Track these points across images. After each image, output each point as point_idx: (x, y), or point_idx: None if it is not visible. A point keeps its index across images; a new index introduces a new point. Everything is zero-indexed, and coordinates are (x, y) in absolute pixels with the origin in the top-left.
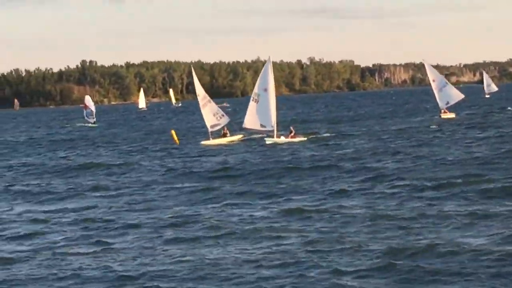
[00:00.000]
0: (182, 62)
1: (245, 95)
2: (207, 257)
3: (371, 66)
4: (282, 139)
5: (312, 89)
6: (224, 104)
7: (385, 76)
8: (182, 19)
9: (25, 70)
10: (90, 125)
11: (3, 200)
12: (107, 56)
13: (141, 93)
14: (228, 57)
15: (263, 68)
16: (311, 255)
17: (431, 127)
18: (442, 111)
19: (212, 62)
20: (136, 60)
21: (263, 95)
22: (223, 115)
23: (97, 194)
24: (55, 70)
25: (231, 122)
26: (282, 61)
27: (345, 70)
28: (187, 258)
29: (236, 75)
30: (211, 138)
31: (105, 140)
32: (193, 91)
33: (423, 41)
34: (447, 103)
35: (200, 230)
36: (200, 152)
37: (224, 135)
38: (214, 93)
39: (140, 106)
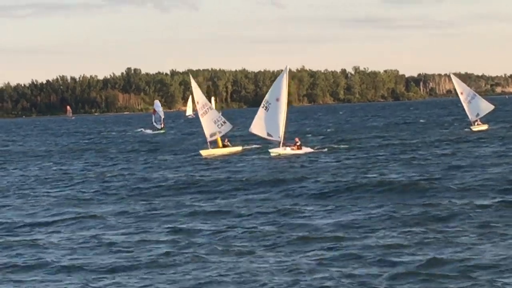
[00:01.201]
0: (226, 70)
1: (289, 105)
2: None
3: (415, 75)
4: (288, 150)
5: (356, 98)
6: None
7: (429, 86)
8: (227, 27)
9: (71, 77)
10: (157, 131)
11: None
12: (152, 64)
13: (189, 100)
14: (273, 66)
15: (278, 77)
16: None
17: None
18: (476, 123)
19: (256, 70)
20: (181, 68)
21: (274, 104)
22: (224, 122)
23: None
24: (100, 77)
25: (233, 130)
26: (326, 70)
27: (389, 80)
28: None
29: None
30: (209, 148)
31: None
32: (238, 99)
33: (468, 51)
34: (477, 115)
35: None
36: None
37: (225, 146)
38: (258, 101)
39: (187, 114)
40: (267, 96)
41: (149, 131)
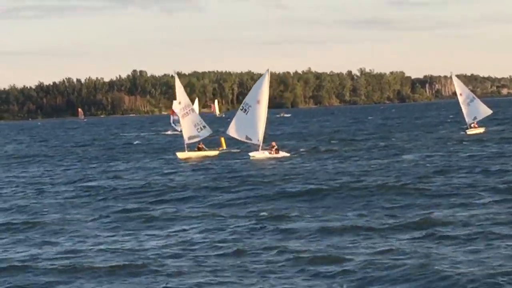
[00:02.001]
0: (232, 72)
1: (295, 106)
2: None
3: (421, 77)
4: (266, 154)
5: (362, 100)
6: (282, 115)
7: (435, 88)
8: (233, 30)
9: (77, 80)
10: (176, 132)
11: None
12: (158, 66)
13: (196, 102)
14: (279, 68)
15: (259, 79)
16: None
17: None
18: (472, 125)
19: (262, 72)
20: (187, 70)
21: (254, 107)
22: (204, 127)
23: None
24: (106, 79)
25: (212, 135)
26: (332, 71)
27: (395, 82)
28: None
29: (286, 86)
30: (186, 151)
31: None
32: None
33: (474, 53)
34: (475, 118)
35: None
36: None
37: (199, 150)
38: None
39: None
40: (246, 99)
41: (169, 132)
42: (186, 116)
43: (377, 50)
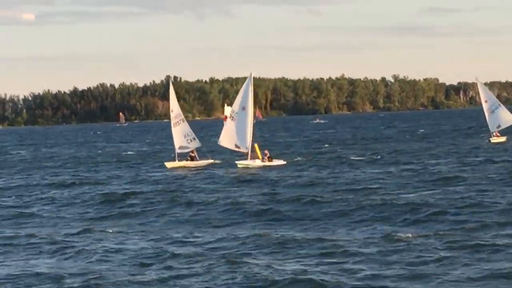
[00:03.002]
0: (266, 78)
1: (328, 112)
2: None
3: (455, 84)
4: (257, 162)
5: (396, 107)
6: (318, 121)
7: (470, 95)
8: (267, 36)
9: (110, 85)
10: None
11: None
12: (192, 72)
13: (226, 108)
14: (312, 74)
15: (244, 85)
16: None
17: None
18: (494, 134)
19: (296, 78)
20: (220, 76)
21: (241, 114)
22: (194, 139)
23: None
24: (140, 85)
25: (202, 147)
26: (366, 78)
27: (429, 88)
28: None
29: (320, 92)
30: (177, 160)
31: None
32: (277, 107)
33: (509, 59)
34: (498, 126)
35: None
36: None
37: (192, 159)
38: (297, 109)
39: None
40: (234, 106)
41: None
42: (177, 125)
43: (411, 57)
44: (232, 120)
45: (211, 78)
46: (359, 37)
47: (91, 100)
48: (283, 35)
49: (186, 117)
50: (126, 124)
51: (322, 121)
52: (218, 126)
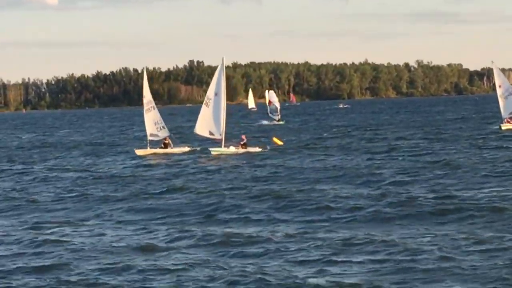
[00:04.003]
0: (289, 63)
1: (351, 98)
2: None
3: (479, 70)
4: (232, 149)
5: (419, 92)
6: (341, 106)
7: (493, 81)
8: (290, 21)
9: (133, 69)
10: (274, 122)
11: None
12: (215, 57)
13: (250, 93)
14: (336, 59)
15: (216, 71)
16: None
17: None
18: (505, 120)
19: (319, 64)
20: (243, 61)
21: (214, 100)
22: (163, 127)
23: None
24: (163, 69)
25: (172, 136)
26: (389, 63)
27: (453, 74)
28: None
29: (343, 77)
30: (148, 147)
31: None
32: (300, 92)
33: None
34: (511, 113)
35: None
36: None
37: (166, 146)
38: (320, 95)
39: (249, 106)
40: (208, 92)
41: (265, 122)
42: (149, 112)
43: (434, 43)
44: (206, 106)
45: (234, 63)
46: (383, 24)
47: (114, 84)
48: (307, 20)
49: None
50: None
51: (346, 106)
52: (242, 110)
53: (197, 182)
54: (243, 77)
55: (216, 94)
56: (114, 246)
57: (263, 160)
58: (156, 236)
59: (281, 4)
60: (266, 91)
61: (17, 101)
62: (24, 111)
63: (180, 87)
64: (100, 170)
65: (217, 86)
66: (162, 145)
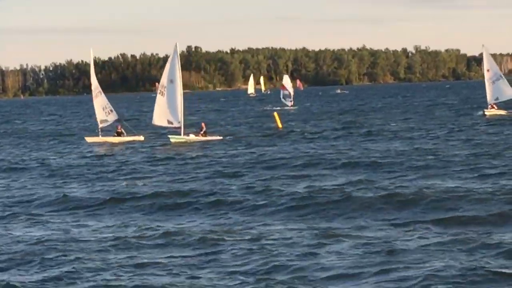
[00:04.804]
0: (287, 49)
1: (349, 83)
2: None
3: (477, 55)
4: (191, 137)
5: (417, 78)
6: (339, 91)
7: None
8: (288, 7)
9: (131, 55)
10: (288, 108)
11: None
12: (213, 42)
13: (251, 79)
14: (333, 45)
15: (170, 57)
16: None
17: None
18: (489, 106)
19: (317, 49)
20: (241, 47)
21: (169, 87)
22: (111, 111)
23: None
24: (161, 55)
25: (121, 121)
26: (387, 49)
27: (450, 59)
28: None
29: (340, 63)
30: (100, 135)
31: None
32: (298, 78)
33: None
34: (497, 98)
35: None
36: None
37: (118, 134)
38: (318, 80)
39: (249, 92)
40: (162, 80)
41: (278, 108)
42: (96, 98)
43: (432, 28)
44: (161, 95)
45: (232, 48)
46: (380, 9)
47: (112, 70)
48: (304, 6)
49: (206, 87)
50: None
51: (345, 92)
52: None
53: (151, 171)
54: (240, 63)
55: (171, 81)
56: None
57: (224, 149)
58: (103, 230)
59: None
60: (284, 76)
61: (15, 88)
62: (22, 97)
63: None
64: (45, 161)
65: (171, 72)
66: (115, 134)
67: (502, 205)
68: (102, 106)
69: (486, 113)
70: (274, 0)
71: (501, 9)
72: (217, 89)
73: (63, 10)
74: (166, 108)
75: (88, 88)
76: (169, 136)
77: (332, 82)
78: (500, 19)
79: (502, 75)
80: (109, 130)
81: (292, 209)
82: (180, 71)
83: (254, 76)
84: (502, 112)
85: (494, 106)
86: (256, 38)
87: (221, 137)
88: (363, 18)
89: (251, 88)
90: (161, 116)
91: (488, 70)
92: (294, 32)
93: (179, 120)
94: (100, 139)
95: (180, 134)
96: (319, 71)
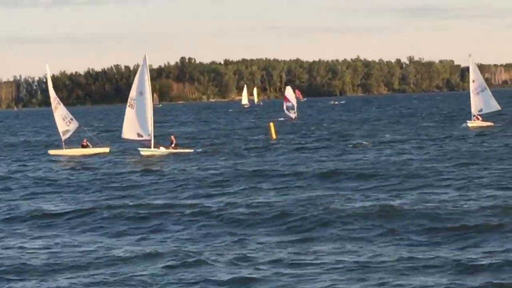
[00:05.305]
0: (281, 60)
1: (343, 94)
2: None
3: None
4: (162, 150)
5: (411, 89)
6: (335, 102)
7: (485, 77)
8: (282, 17)
9: (125, 66)
10: (292, 119)
11: None
12: (206, 53)
13: (244, 90)
14: (328, 56)
15: (139, 69)
16: None
17: None
18: (474, 117)
19: (311, 60)
20: (235, 58)
21: (139, 100)
22: (71, 119)
23: None
24: (155, 66)
25: (82, 129)
26: (381, 59)
27: (444, 70)
28: None
29: (335, 74)
30: (64, 147)
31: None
32: (292, 89)
33: None
34: (481, 110)
35: None
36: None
37: (84, 147)
38: (312, 91)
39: (243, 103)
40: (131, 93)
41: (281, 119)
42: (56, 109)
43: (426, 39)
44: (131, 108)
45: (226, 59)
46: (375, 19)
47: (106, 81)
48: (298, 16)
49: (200, 98)
50: (160, 105)
51: (337, 103)
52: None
53: (121, 184)
54: (235, 74)
55: (141, 93)
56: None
57: (197, 162)
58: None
59: (273, 0)
60: (287, 87)
61: (8, 99)
62: (15, 108)
63: (172, 84)
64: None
65: (140, 84)
66: (81, 147)
67: (482, 218)
68: (62, 117)
69: (469, 124)
70: (268, 10)
71: (495, 20)
72: (211, 100)
73: (56, 21)
74: (136, 121)
75: (81, 99)
76: (139, 148)
77: (326, 93)
78: (494, 29)
79: (487, 87)
80: (75, 140)
81: (271, 221)
82: (150, 82)
83: (248, 87)
84: (486, 124)
85: (479, 117)
86: (250, 49)
87: (192, 150)
88: (357, 29)
89: (245, 99)
90: (130, 129)
91: (473, 81)
92: (288, 43)
93: (149, 132)
94: (63, 151)
95: (150, 147)
96: (312, 82)
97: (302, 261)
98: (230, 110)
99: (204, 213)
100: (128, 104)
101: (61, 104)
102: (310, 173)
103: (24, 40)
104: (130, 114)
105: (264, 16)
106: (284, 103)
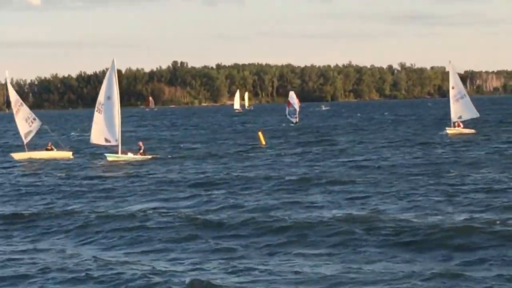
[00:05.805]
0: (273, 65)
1: (335, 100)
2: None
3: (462, 72)
4: (129, 155)
5: (402, 95)
6: (324, 107)
7: (476, 83)
8: (274, 23)
9: (117, 70)
10: (292, 124)
11: None
12: (198, 58)
13: (237, 94)
14: (319, 61)
15: (107, 74)
16: None
17: None
18: (456, 124)
19: (303, 65)
20: (227, 62)
21: (107, 104)
22: (34, 119)
23: None
24: (147, 70)
25: (44, 128)
26: (373, 65)
27: (436, 76)
28: None
29: (326, 79)
30: (26, 150)
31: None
32: (284, 94)
33: None
34: (460, 117)
35: None
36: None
37: (48, 150)
38: (303, 96)
39: (235, 107)
40: (99, 97)
41: (283, 125)
42: (18, 112)
43: (418, 45)
44: (99, 113)
45: (218, 64)
46: (367, 25)
47: (97, 85)
48: (291, 22)
49: (191, 103)
50: (156, 109)
51: (328, 108)
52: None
53: (85, 190)
54: (226, 79)
55: (108, 98)
56: None
57: (164, 166)
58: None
59: (265, 5)
60: (291, 92)
61: (0, 102)
62: (7, 111)
63: (164, 88)
64: None
65: (108, 89)
66: (46, 150)
67: (443, 230)
68: (24, 118)
69: (448, 131)
70: (260, 15)
71: (486, 27)
72: (203, 104)
73: (48, 24)
74: (104, 126)
75: (73, 102)
76: (106, 154)
77: (318, 99)
78: (485, 37)
79: (466, 94)
80: (38, 145)
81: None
82: (118, 87)
83: (240, 91)
84: (467, 131)
85: (460, 124)
86: (242, 53)
87: (159, 156)
88: (349, 35)
89: (236, 104)
90: (98, 134)
91: (453, 88)
92: (280, 48)
93: (116, 138)
94: (27, 154)
95: (117, 152)
96: (304, 87)
97: (274, 270)
98: (220, 115)
99: (177, 217)
100: (96, 108)
101: (24, 105)
102: (281, 178)
103: (15, 42)
104: (98, 119)
105: (257, 21)
106: (287, 107)
